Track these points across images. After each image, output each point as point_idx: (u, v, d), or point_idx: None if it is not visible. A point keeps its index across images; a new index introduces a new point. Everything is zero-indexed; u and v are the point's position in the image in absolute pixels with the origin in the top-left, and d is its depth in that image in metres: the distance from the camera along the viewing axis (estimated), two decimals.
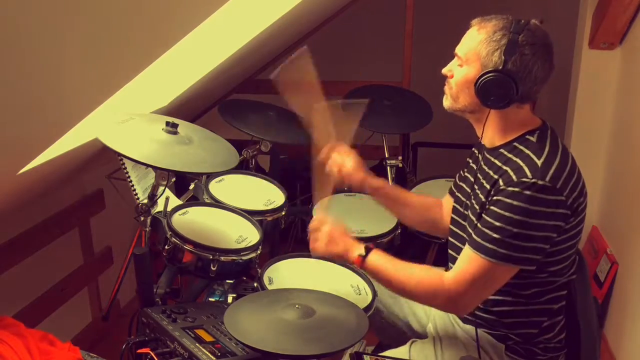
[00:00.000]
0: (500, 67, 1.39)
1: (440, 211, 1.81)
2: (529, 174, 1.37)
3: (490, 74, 1.40)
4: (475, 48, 1.44)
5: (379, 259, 1.52)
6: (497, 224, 1.38)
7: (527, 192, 1.35)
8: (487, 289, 1.44)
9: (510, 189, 1.37)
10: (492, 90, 1.40)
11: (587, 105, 2.58)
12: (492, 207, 1.40)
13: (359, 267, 1.56)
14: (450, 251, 1.69)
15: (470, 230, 1.49)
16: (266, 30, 2.11)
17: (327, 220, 1.59)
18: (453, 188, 1.75)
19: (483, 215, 1.43)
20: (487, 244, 1.39)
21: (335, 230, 1.57)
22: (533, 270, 1.43)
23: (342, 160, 1.74)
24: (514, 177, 1.38)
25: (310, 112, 1.69)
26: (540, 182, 1.35)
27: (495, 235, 1.38)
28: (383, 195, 1.81)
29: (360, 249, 1.53)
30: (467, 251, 1.44)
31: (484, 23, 1.45)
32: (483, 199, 1.46)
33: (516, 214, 1.36)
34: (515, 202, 1.36)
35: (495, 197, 1.40)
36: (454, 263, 1.65)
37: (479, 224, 1.43)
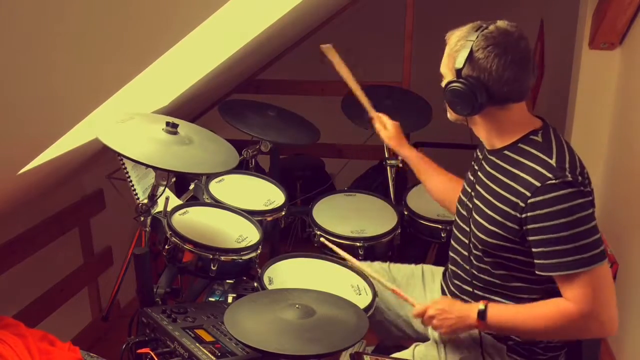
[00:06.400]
0: (455, 77, 1.42)
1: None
2: (549, 174, 1.36)
3: (448, 86, 1.44)
4: (446, 62, 1.49)
5: (498, 312, 1.46)
6: (554, 235, 1.35)
7: (560, 192, 1.34)
8: (610, 292, 1.39)
9: (540, 197, 1.36)
10: (454, 99, 1.44)
11: (587, 105, 2.59)
12: (539, 224, 1.37)
13: (484, 330, 1.50)
14: (451, 254, 1.69)
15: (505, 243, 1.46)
16: (266, 30, 2.11)
17: (425, 305, 1.53)
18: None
19: (532, 237, 1.39)
20: (568, 259, 1.35)
21: (438, 308, 1.51)
22: (536, 274, 1.43)
23: (385, 122, 2.03)
24: (536, 182, 1.37)
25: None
26: (565, 179, 1.35)
27: (566, 246, 1.35)
28: (413, 166, 1.97)
29: (474, 311, 1.46)
30: (564, 277, 1.38)
31: (451, 36, 1.48)
32: (504, 207, 1.44)
33: (563, 217, 1.34)
34: (556, 208, 1.34)
35: (531, 213, 1.37)
36: (455, 266, 1.65)
37: (541, 248, 1.38)
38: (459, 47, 1.43)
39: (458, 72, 1.41)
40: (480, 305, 1.46)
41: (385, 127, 2.02)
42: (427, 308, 1.52)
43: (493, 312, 1.46)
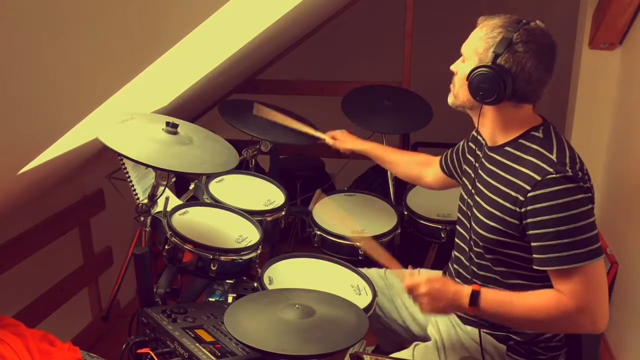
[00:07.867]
0: (490, 63, 1.41)
1: (422, 169, 2.01)
2: (550, 169, 1.37)
3: (479, 69, 1.42)
4: (475, 45, 1.46)
5: (492, 298, 1.43)
6: (553, 229, 1.35)
7: (560, 187, 1.34)
8: (604, 288, 1.39)
9: (540, 191, 1.36)
10: (481, 85, 1.42)
11: (587, 105, 2.59)
12: (538, 218, 1.37)
13: (475, 315, 1.47)
14: (455, 252, 1.68)
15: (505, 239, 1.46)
16: (266, 30, 2.11)
17: (420, 281, 1.45)
18: (447, 169, 1.87)
19: (531, 231, 1.39)
20: (566, 253, 1.35)
21: (433, 287, 1.44)
22: (535, 271, 1.44)
23: (334, 134, 2.16)
24: (536, 176, 1.37)
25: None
26: (565, 174, 1.35)
27: (564, 241, 1.35)
28: (371, 157, 2.12)
29: (467, 295, 1.43)
30: (560, 272, 1.38)
31: (487, 21, 1.47)
32: (504, 203, 1.44)
33: (562, 212, 1.34)
34: (555, 202, 1.34)
35: (531, 207, 1.37)
36: (458, 264, 1.65)
37: (540, 242, 1.38)
38: (496, 34, 1.42)
39: (495, 57, 1.40)
40: (474, 289, 1.43)
41: (337, 139, 2.14)
42: (420, 284, 1.45)
43: (486, 298, 1.43)
